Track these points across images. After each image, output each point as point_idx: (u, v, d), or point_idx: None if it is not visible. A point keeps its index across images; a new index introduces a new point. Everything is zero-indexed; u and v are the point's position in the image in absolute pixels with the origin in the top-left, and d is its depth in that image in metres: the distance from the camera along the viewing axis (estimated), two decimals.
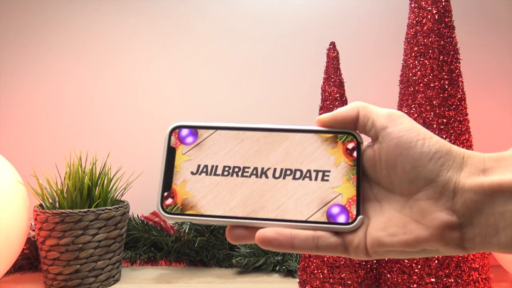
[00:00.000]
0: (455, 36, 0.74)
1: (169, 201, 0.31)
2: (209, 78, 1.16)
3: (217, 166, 0.31)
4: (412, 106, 0.74)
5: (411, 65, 0.75)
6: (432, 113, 0.72)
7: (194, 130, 0.32)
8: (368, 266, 0.77)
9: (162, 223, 1.00)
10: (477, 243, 0.26)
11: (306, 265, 0.78)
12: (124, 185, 0.90)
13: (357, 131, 0.31)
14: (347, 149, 0.31)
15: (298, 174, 0.31)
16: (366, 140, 0.32)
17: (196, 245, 0.94)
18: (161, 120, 1.14)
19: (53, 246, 0.78)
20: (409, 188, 0.28)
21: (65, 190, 0.82)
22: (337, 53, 0.79)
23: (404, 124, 0.28)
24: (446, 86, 0.72)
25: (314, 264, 0.76)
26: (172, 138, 0.32)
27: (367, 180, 0.31)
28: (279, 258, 0.91)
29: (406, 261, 0.71)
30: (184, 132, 0.32)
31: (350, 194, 0.30)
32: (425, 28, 0.74)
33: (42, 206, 0.84)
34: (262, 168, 0.31)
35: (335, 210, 0.29)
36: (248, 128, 0.32)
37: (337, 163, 0.31)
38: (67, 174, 0.82)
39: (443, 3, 0.74)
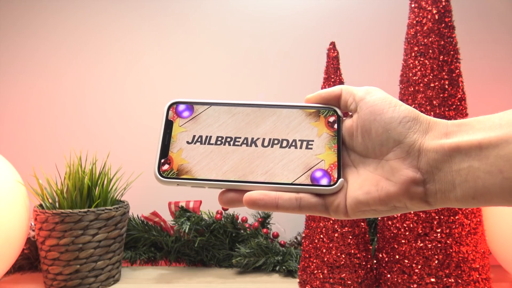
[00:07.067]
0: (455, 36, 0.74)
1: (165, 167, 0.33)
2: (209, 78, 1.16)
3: (210, 137, 0.34)
4: (412, 106, 0.74)
5: (411, 65, 0.75)
6: (432, 113, 0.72)
7: (190, 105, 0.36)
8: (368, 266, 0.76)
9: (162, 223, 1.00)
10: (438, 198, 0.30)
11: (306, 265, 0.78)
12: (124, 185, 0.90)
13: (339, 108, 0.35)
14: (328, 122, 0.34)
15: (284, 143, 0.34)
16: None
17: (196, 245, 0.94)
18: (161, 120, 1.14)
19: (53, 246, 0.78)
20: (380, 149, 0.32)
21: (65, 190, 0.82)
22: (337, 53, 0.79)
23: (379, 95, 0.33)
24: (446, 86, 0.72)
25: (314, 264, 0.76)
26: (170, 112, 0.36)
27: (345, 149, 0.34)
28: (279, 258, 0.91)
29: (406, 261, 0.71)
30: (181, 107, 0.36)
31: (332, 160, 0.33)
32: (425, 28, 0.74)
33: (42, 206, 0.84)
34: (252, 138, 0.34)
35: (318, 174, 0.32)
36: (239, 104, 0.35)
37: (320, 134, 0.34)
38: (67, 174, 0.82)
39: (443, 3, 0.74)
